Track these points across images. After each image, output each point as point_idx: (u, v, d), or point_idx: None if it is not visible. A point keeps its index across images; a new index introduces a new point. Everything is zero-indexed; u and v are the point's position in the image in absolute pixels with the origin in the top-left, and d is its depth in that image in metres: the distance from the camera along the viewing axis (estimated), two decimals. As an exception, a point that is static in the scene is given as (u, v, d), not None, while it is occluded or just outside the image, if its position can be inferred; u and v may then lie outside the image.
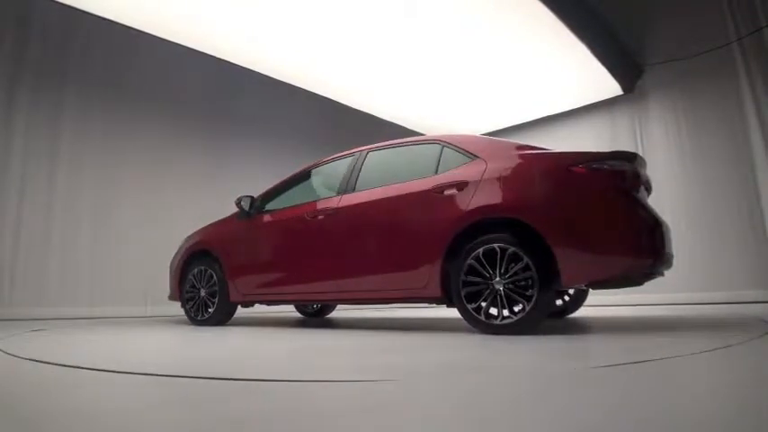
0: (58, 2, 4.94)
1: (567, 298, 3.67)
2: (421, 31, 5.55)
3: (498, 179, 2.77)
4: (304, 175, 3.98)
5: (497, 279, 2.60)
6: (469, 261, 2.67)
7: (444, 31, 5.57)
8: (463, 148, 3.03)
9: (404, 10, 5.13)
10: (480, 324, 2.64)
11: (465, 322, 2.71)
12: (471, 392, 1.24)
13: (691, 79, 6.38)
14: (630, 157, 2.77)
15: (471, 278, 2.67)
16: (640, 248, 2.58)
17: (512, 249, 2.57)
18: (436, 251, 2.82)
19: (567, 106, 7.62)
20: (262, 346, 2.53)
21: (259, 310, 5.72)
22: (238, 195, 4.07)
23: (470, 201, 2.78)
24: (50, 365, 1.76)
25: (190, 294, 4.09)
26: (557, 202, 2.64)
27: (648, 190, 3.01)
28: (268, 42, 5.85)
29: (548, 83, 6.85)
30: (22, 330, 3.36)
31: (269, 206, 3.92)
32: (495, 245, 2.61)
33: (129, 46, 5.62)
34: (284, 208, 3.79)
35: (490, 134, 8.45)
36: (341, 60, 6.29)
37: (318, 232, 3.39)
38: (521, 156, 2.88)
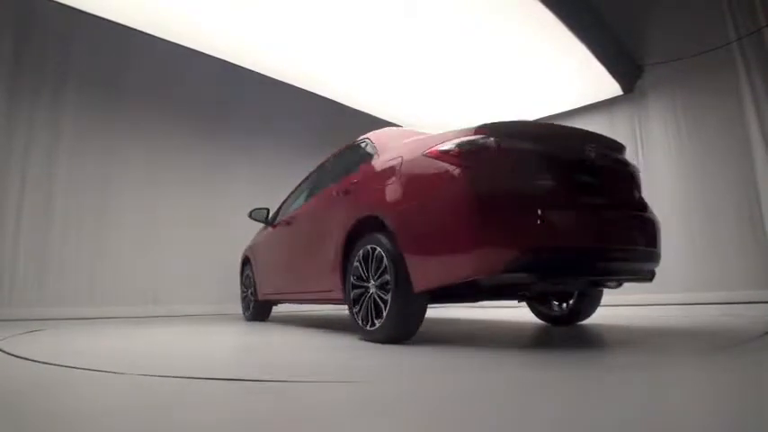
0: (58, 2, 4.94)
1: (571, 302, 3.17)
2: (421, 31, 5.55)
3: (376, 174, 2.61)
4: (306, 180, 4.07)
5: (371, 283, 2.41)
6: (354, 263, 2.56)
7: (444, 32, 5.57)
8: (374, 144, 2.87)
9: (404, 10, 5.13)
10: (359, 330, 2.51)
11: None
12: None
13: (690, 79, 6.37)
14: (500, 131, 2.19)
15: (354, 281, 2.55)
16: (487, 242, 1.97)
17: (378, 250, 2.37)
18: (335, 254, 2.78)
19: (566, 106, 7.61)
20: (258, 345, 2.52)
21: (301, 308, 5.84)
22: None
23: (356, 200, 2.71)
24: (45, 365, 1.76)
25: (243, 294, 4.90)
26: (403, 195, 2.35)
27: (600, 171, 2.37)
28: (268, 43, 5.85)
29: (548, 83, 6.84)
30: (22, 330, 3.36)
31: (283, 213, 4.26)
32: (368, 246, 2.46)
33: (129, 46, 5.62)
34: (284, 215, 4.14)
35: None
36: (341, 61, 6.29)
37: (286, 238, 3.81)
38: (402, 145, 2.57)
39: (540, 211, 1.99)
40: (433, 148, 2.26)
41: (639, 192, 2.60)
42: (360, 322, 2.48)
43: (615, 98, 7.14)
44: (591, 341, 2.48)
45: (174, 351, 2.38)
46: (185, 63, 6.05)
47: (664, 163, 6.58)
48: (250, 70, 6.46)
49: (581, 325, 3.18)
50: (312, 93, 7.09)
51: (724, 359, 1.71)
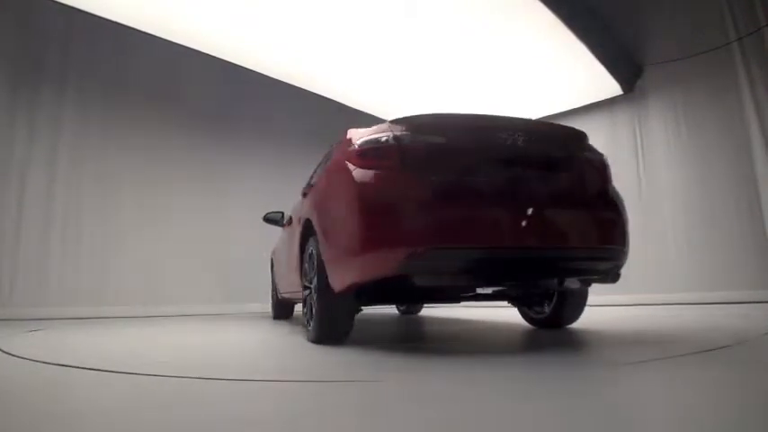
0: (58, 2, 4.94)
1: (551, 305, 2.93)
2: (421, 31, 5.55)
3: (322, 176, 2.59)
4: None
5: (313, 284, 2.37)
6: (305, 265, 2.58)
7: (444, 32, 5.57)
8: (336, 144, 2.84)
9: (404, 10, 5.13)
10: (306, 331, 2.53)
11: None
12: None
13: (691, 79, 6.37)
14: (413, 125, 2.09)
15: (305, 283, 2.56)
16: (376, 244, 1.91)
17: (313, 252, 2.35)
18: (296, 256, 2.84)
19: (566, 106, 7.60)
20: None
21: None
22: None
23: (307, 202, 2.76)
24: (45, 365, 1.76)
25: (272, 293, 4.85)
26: (321, 197, 2.38)
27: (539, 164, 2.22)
28: (268, 43, 5.85)
29: (548, 83, 6.84)
30: (22, 330, 3.36)
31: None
32: (310, 248, 2.45)
33: (129, 46, 5.62)
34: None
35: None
36: (342, 61, 6.29)
37: (285, 239, 3.81)
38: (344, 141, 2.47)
39: (437, 210, 1.89)
40: (347, 149, 2.20)
41: (599, 183, 2.35)
42: (305, 322, 2.54)
43: (615, 98, 7.13)
44: (559, 344, 2.38)
45: (174, 351, 2.38)
46: (186, 63, 6.05)
47: (664, 163, 6.58)
48: (251, 70, 6.46)
49: (569, 328, 2.92)
50: (313, 93, 7.09)
51: (724, 359, 1.71)
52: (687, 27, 6.35)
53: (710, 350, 1.87)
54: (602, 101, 7.28)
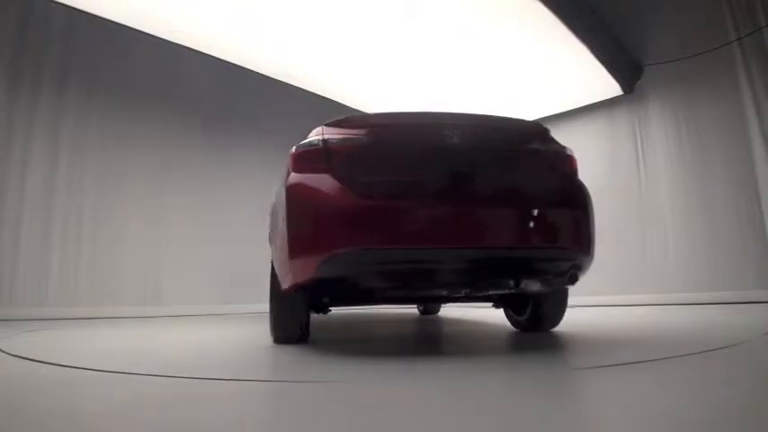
0: (58, 2, 4.94)
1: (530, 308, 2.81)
2: (421, 31, 5.55)
3: None
4: None
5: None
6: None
7: (444, 32, 5.57)
8: None
9: (403, 10, 5.13)
10: None
11: None
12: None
13: (690, 79, 6.37)
14: (350, 125, 2.09)
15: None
16: (298, 247, 1.96)
17: None
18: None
19: (566, 106, 7.60)
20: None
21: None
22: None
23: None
24: (45, 365, 1.76)
25: None
26: (274, 197, 2.43)
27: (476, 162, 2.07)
28: (268, 43, 5.85)
29: (548, 83, 6.84)
30: (22, 330, 3.36)
31: None
32: None
33: (129, 46, 5.62)
34: None
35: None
36: (342, 61, 6.29)
37: None
38: None
39: (358, 213, 1.87)
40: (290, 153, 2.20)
41: (557, 180, 2.19)
42: None
43: (615, 98, 7.13)
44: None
45: (173, 351, 2.38)
46: (186, 63, 6.05)
47: (664, 163, 6.58)
48: (251, 70, 6.46)
49: (555, 331, 2.79)
50: (313, 93, 7.09)
51: (724, 358, 1.71)
52: (687, 27, 6.35)
53: (704, 351, 1.87)
54: (602, 101, 7.28)
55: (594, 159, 7.38)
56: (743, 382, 1.34)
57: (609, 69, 6.38)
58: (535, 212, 2.01)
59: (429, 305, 5.15)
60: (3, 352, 2.14)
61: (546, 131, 2.32)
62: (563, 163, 2.25)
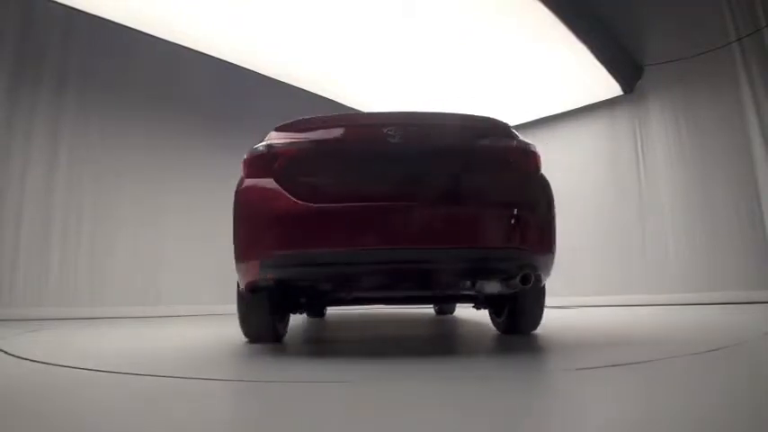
0: (58, 2, 4.94)
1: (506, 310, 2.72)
2: (420, 31, 5.55)
3: None
4: None
5: None
6: None
7: (443, 32, 5.57)
8: None
9: (402, 10, 5.13)
10: None
11: None
12: None
13: (690, 79, 6.37)
14: (295, 128, 2.14)
15: None
16: (242, 250, 2.05)
17: None
18: None
19: (567, 106, 7.60)
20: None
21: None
22: None
23: None
24: (45, 365, 1.76)
25: None
26: None
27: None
28: (268, 43, 5.86)
29: (548, 83, 6.84)
30: (22, 330, 3.36)
31: None
32: None
33: (129, 46, 5.62)
34: None
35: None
36: (341, 61, 6.30)
37: None
38: None
39: (295, 217, 1.91)
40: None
41: (509, 178, 2.09)
42: None
43: (615, 98, 7.13)
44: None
45: (174, 351, 2.38)
46: (186, 63, 6.05)
47: (664, 163, 6.58)
48: (251, 70, 6.46)
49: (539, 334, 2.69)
50: (313, 93, 7.09)
51: (724, 358, 1.71)
52: (687, 27, 6.35)
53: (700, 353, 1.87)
54: (602, 101, 7.28)
55: (594, 159, 7.39)
56: (742, 382, 1.34)
57: (609, 69, 6.38)
58: (481, 212, 1.97)
59: (444, 306, 5.02)
60: (3, 352, 2.14)
61: (503, 128, 2.21)
62: (519, 160, 2.15)
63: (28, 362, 1.90)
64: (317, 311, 5.15)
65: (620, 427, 0.93)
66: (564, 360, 1.87)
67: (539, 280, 2.10)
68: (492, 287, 2.22)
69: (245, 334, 2.43)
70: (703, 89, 6.28)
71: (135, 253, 5.51)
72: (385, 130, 2.00)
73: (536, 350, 2.17)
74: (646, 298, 5.96)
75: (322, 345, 2.74)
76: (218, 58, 6.18)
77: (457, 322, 4.17)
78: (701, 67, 6.19)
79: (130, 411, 1.11)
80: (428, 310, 5.77)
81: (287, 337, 2.62)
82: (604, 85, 6.84)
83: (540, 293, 2.43)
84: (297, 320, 4.52)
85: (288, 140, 2.10)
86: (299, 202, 1.92)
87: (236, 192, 2.13)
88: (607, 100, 7.23)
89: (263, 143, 2.15)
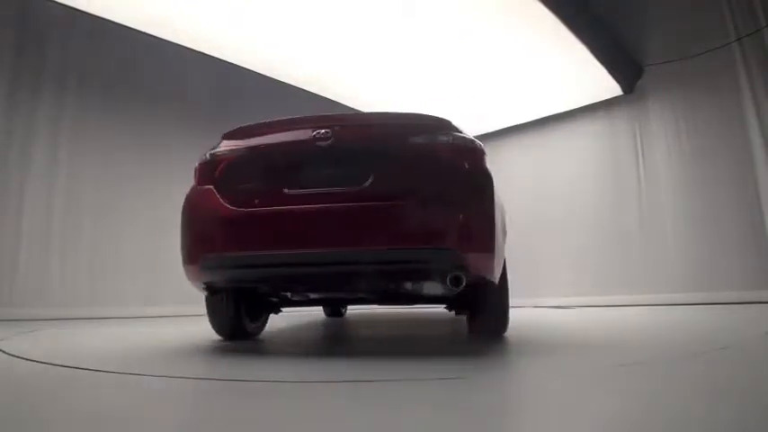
0: (58, 2, 4.94)
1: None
2: (420, 31, 5.55)
3: None
4: None
5: None
6: None
7: (443, 32, 5.57)
8: None
9: (402, 10, 5.13)
10: None
11: None
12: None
13: (691, 79, 6.37)
14: (236, 135, 2.25)
15: None
16: (184, 253, 2.18)
17: None
18: None
19: (566, 106, 7.61)
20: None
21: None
22: None
23: None
24: (45, 365, 1.76)
25: None
26: None
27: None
28: (268, 43, 5.86)
29: (548, 83, 6.84)
30: (22, 330, 3.36)
31: None
32: None
33: (129, 46, 5.62)
34: None
35: (489, 135, 8.46)
36: (340, 60, 6.30)
37: None
38: None
39: (225, 222, 2.02)
40: None
41: (439, 174, 2.00)
42: None
43: (615, 98, 7.14)
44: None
45: (174, 351, 2.38)
46: (186, 63, 6.05)
47: (664, 163, 6.59)
48: (251, 70, 6.46)
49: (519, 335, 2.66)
50: (312, 92, 7.10)
51: (724, 358, 1.71)
52: (687, 27, 6.35)
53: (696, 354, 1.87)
54: (602, 101, 7.29)
55: (594, 159, 7.40)
56: (742, 382, 1.34)
57: (609, 69, 6.38)
58: (403, 211, 1.91)
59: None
60: (3, 352, 2.14)
61: (440, 125, 2.14)
62: (453, 157, 2.05)
63: (28, 362, 1.90)
64: (333, 311, 5.17)
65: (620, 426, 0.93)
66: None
67: (484, 282, 2.05)
68: (432, 288, 2.13)
69: (214, 328, 2.58)
70: (703, 89, 6.29)
71: (135, 253, 5.50)
72: (314, 134, 2.03)
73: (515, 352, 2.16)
74: (646, 298, 5.96)
75: (296, 344, 2.76)
76: (218, 59, 6.18)
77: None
78: (701, 67, 6.20)
79: (129, 411, 1.11)
80: (437, 308, 5.74)
81: (275, 336, 2.70)
82: (604, 86, 6.84)
83: (498, 295, 2.33)
84: (309, 318, 4.52)
85: (228, 148, 2.21)
86: (231, 207, 2.02)
87: (184, 200, 2.24)
88: (607, 100, 7.23)
89: (209, 151, 2.26)
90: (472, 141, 2.14)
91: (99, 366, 1.71)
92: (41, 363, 1.82)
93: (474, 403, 1.11)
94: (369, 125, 2.21)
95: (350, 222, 1.92)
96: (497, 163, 9.42)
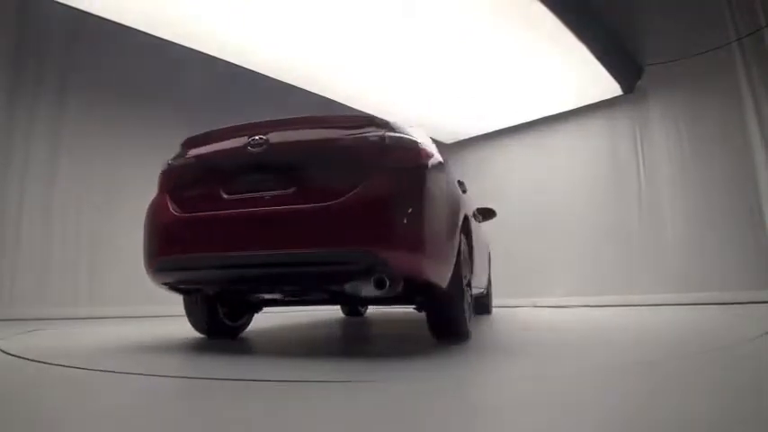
0: (58, 2, 4.94)
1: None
2: (419, 31, 5.55)
3: None
4: None
5: None
6: None
7: (443, 31, 5.57)
8: None
9: (402, 10, 5.13)
10: None
11: None
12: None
13: (691, 79, 6.37)
14: (190, 144, 2.43)
15: None
16: (144, 260, 2.34)
17: None
18: None
19: (566, 106, 7.60)
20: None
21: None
22: None
23: None
24: (44, 365, 1.76)
25: None
26: None
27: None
28: (269, 43, 5.85)
29: (548, 83, 6.84)
30: (22, 330, 3.37)
31: None
32: None
33: (129, 46, 5.62)
34: None
35: (489, 135, 8.46)
36: (340, 60, 6.29)
37: None
38: None
39: (170, 227, 2.19)
40: None
41: (364, 174, 1.95)
42: None
43: (615, 98, 7.14)
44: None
45: (174, 351, 2.39)
46: (186, 62, 6.05)
47: (664, 163, 6.59)
48: (251, 70, 6.46)
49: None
50: (312, 92, 7.09)
51: (724, 358, 1.71)
52: (687, 27, 6.35)
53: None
54: (602, 101, 7.29)
55: (594, 159, 7.40)
56: (741, 382, 1.34)
57: (609, 69, 6.38)
58: (322, 213, 1.90)
59: (478, 308, 4.84)
60: (3, 352, 2.14)
61: (370, 124, 2.10)
62: (378, 156, 2.00)
63: (28, 362, 1.90)
64: (351, 310, 5.14)
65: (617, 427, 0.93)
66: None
67: (427, 284, 2.01)
68: (366, 290, 2.02)
69: (192, 325, 2.73)
70: (703, 89, 6.29)
71: (136, 253, 5.47)
72: (248, 140, 2.11)
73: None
74: (646, 298, 5.96)
75: (270, 344, 2.79)
76: (218, 58, 6.18)
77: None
78: (701, 67, 6.20)
79: (130, 411, 1.11)
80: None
81: (258, 336, 2.80)
82: (604, 86, 6.84)
83: (450, 299, 2.21)
84: (310, 318, 4.52)
85: (183, 157, 2.38)
86: (178, 213, 2.18)
87: (151, 201, 2.40)
88: (607, 100, 7.24)
89: (168, 160, 2.43)
90: (406, 140, 2.09)
91: (100, 366, 1.71)
92: (41, 363, 1.82)
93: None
94: (299, 130, 2.22)
95: (273, 226, 1.96)
96: (498, 163, 9.49)
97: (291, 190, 1.99)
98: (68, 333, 3.34)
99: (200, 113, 6.31)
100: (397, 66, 6.38)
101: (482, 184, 6.65)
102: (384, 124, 2.09)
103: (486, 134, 8.46)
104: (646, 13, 6.72)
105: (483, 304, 4.76)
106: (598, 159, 7.35)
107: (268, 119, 2.24)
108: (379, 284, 1.87)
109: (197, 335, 2.82)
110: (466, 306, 2.40)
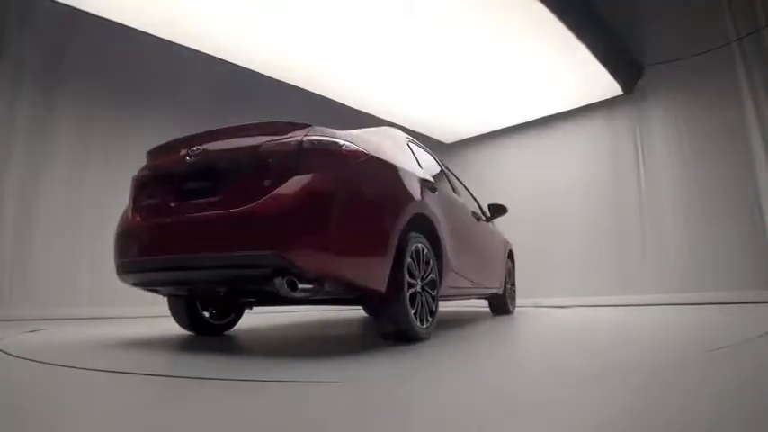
0: (59, 2, 4.94)
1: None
2: (419, 30, 5.55)
3: None
4: None
5: None
6: None
7: (443, 31, 5.57)
8: None
9: (402, 10, 5.13)
10: None
11: None
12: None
13: (691, 79, 6.38)
14: (151, 154, 2.60)
15: None
16: (114, 258, 2.51)
17: None
18: None
19: (566, 106, 7.61)
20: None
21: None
22: None
23: None
24: (44, 365, 1.76)
25: None
26: None
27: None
28: (268, 44, 5.85)
29: (548, 83, 6.84)
30: (22, 330, 3.37)
31: None
32: None
33: (129, 46, 5.62)
34: None
35: (489, 134, 8.46)
36: (340, 60, 6.29)
37: None
38: None
39: (126, 233, 2.42)
40: None
41: (272, 178, 2.00)
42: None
43: (615, 98, 7.14)
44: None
45: (174, 351, 2.39)
46: (187, 62, 6.05)
47: (664, 163, 6.59)
48: (250, 70, 6.46)
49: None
50: (311, 92, 7.09)
51: (724, 358, 1.71)
52: (687, 27, 6.36)
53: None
54: (602, 101, 7.29)
55: (594, 159, 7.40)
56: (740, 382, 1.34)
57: (609, 69, 6.38)
58: (234, 217, 1.96)
59: (499, 308, 4.73)
60: (3, 352, 2.14)
61: (292, 130, 2.13)
62: (293, 160, 2.03)
63: (28, 362, 1.90)
64: (369, 309, 5.12)
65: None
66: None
67: (357, 287, 2.05)
68: (283, 291, 1.99)
69: (179, 326, 2.93)
70: (703, 89, 6.29)
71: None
72: (186, 151, 2.27)
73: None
74: (645, 298, 5.96)
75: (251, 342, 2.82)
76: (218, 58, 6.18)
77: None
78: (701, 67, 6.20)
79: (129, 410, 1.11)
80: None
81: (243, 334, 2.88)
82: (604, 85, 6.84)
83: (387, 300, 2.19)
84: (318, 317, 4.52)
85: (144, 167, 2.56)
86: (136, 220, 2.38)
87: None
88: (607, 100, 7.24)
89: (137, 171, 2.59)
90: (326, 143, 2.11)
91: (99, 366, 1.71)
92: (41, 363, 1.82)
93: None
94: (229, 139, 2.30)
95: (200, 231, 2.08)
96: (497, 162, 9.49)
97: (218, 197, 2.12)
98: (68, 333, 3.34)
99: (199, 113, 6.33)
100: (398, 66, 6.38)
101: (482, 183, 6.65)
102: (305, 128, 2.14)
103: (486, 134, 8.47)
104: (646, 13, 6.72)
105: (501, 304, 4.68)
106: (598, 159, 7.36)
107: (230, 125, 2.40)
108: (292, 285, 1.91)
109: (191, 334, 2.86)
110: (420, 308, 2.35)
